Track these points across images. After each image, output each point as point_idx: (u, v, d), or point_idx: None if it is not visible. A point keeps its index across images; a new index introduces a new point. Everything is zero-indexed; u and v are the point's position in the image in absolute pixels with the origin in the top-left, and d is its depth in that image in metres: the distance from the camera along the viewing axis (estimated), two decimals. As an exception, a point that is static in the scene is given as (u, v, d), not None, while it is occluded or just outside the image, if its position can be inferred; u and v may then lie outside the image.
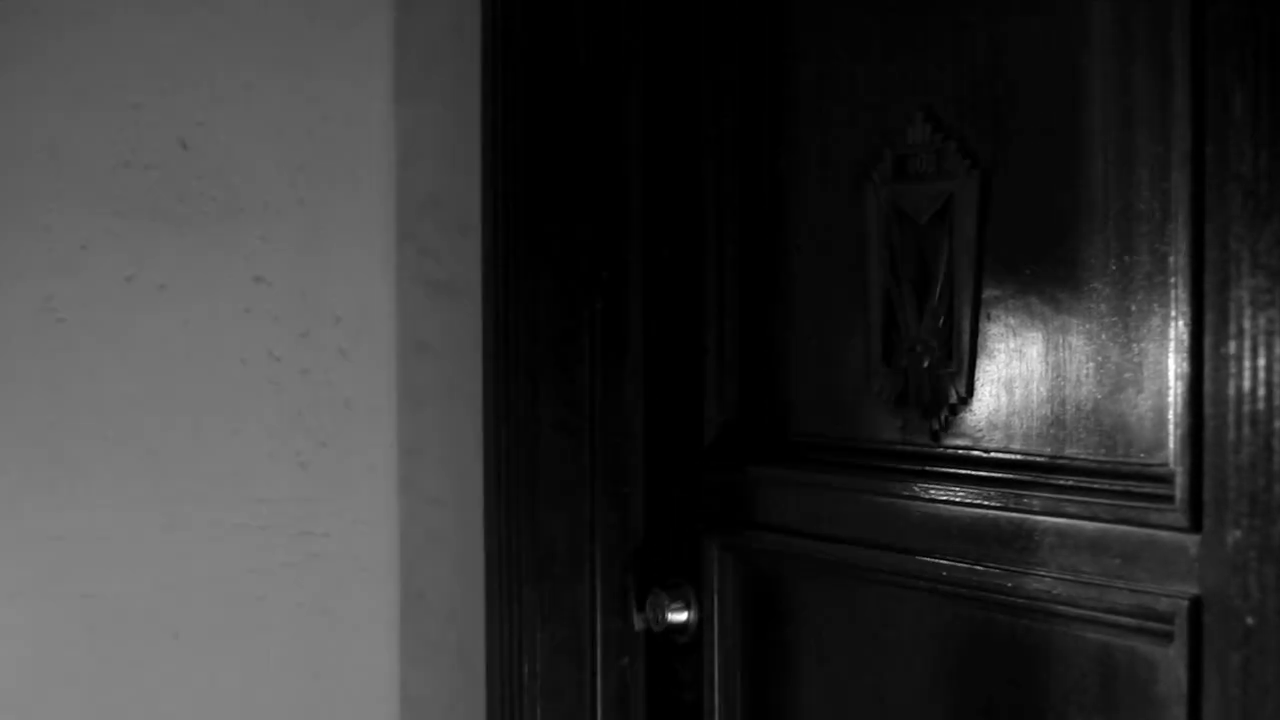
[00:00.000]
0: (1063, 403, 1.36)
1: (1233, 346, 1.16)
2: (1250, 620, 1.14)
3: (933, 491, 1.46)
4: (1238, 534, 1.15)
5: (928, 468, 1.48)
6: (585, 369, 1.85)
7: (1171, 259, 1.24)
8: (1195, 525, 1.21)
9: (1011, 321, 1.40)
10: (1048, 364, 1.37)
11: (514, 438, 1.89)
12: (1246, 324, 1.14)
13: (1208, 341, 1.19)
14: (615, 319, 1.84)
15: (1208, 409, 1.19)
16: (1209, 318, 1.19)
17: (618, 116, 1.85)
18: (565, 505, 1.89)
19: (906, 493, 1.49)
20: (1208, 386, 1.19)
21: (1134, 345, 1.29)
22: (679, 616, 1.79)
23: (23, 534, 1.83)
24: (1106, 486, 1.31)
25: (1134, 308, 1.29)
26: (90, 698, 1.88)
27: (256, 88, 1.94)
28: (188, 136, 1.90)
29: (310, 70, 1.97)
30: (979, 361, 1.43)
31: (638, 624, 1.89)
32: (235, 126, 1.93)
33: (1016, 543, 1.37)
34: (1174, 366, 1.24)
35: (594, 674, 1.90)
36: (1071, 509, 1.33)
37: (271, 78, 1.95)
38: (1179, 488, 1.23)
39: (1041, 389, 1.38)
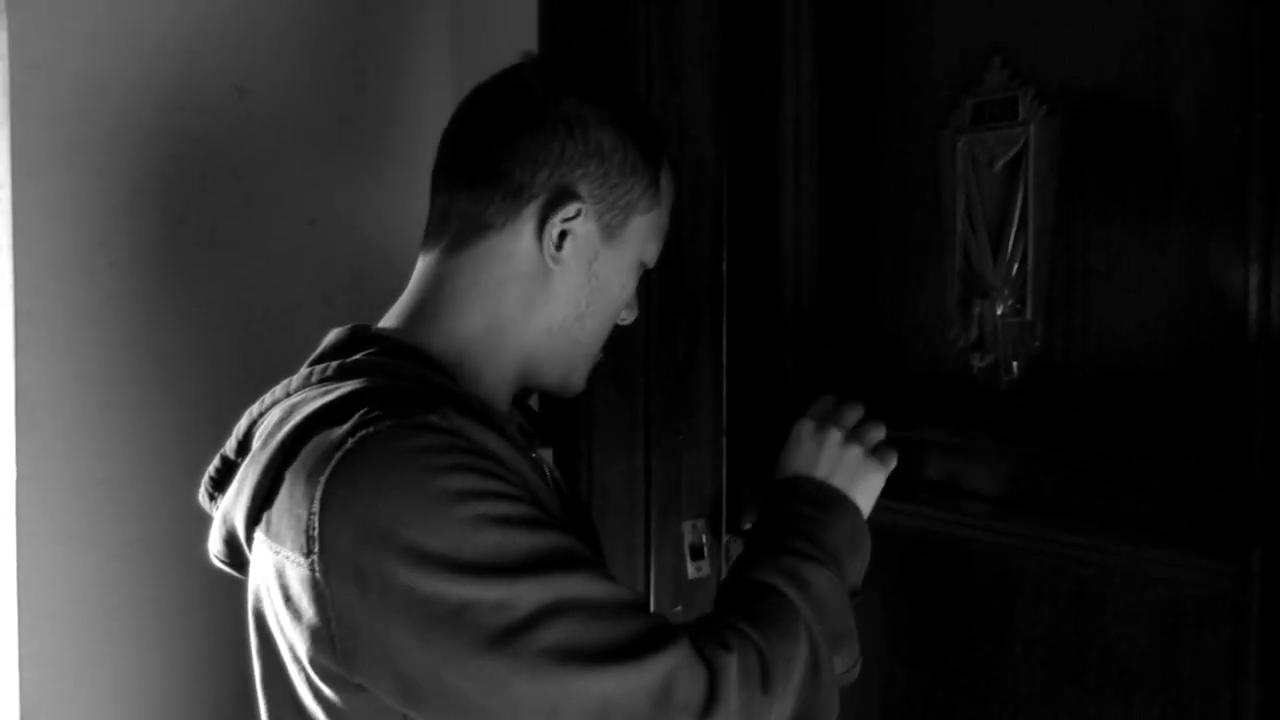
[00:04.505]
0: (1138, 352, 1.35)
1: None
2: None
3: (1003, 441, 1.46)
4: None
5: (999, 416, 1.48)
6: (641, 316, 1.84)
7: (1252, 203, 1.23)
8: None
9: (1085, 270, 1.39)
10: (1123, 314, 1.36)
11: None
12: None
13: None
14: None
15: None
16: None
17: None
18: (618, 453, 1.89)
19: (979, 442, 1.49)
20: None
21: (1212, 294, 1.28)
22: (752, 564, 1.79)
23: (76, 476, 1.85)
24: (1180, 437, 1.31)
25: (1213, 255, 1.28)
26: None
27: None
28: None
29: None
30: (1052, 309, 1.42)
31: (691, 572, 1.89)
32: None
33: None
34: (1253, 315, 1.22)
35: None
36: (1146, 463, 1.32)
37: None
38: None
39: (1116, 337, 1.37)
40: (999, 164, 1.44)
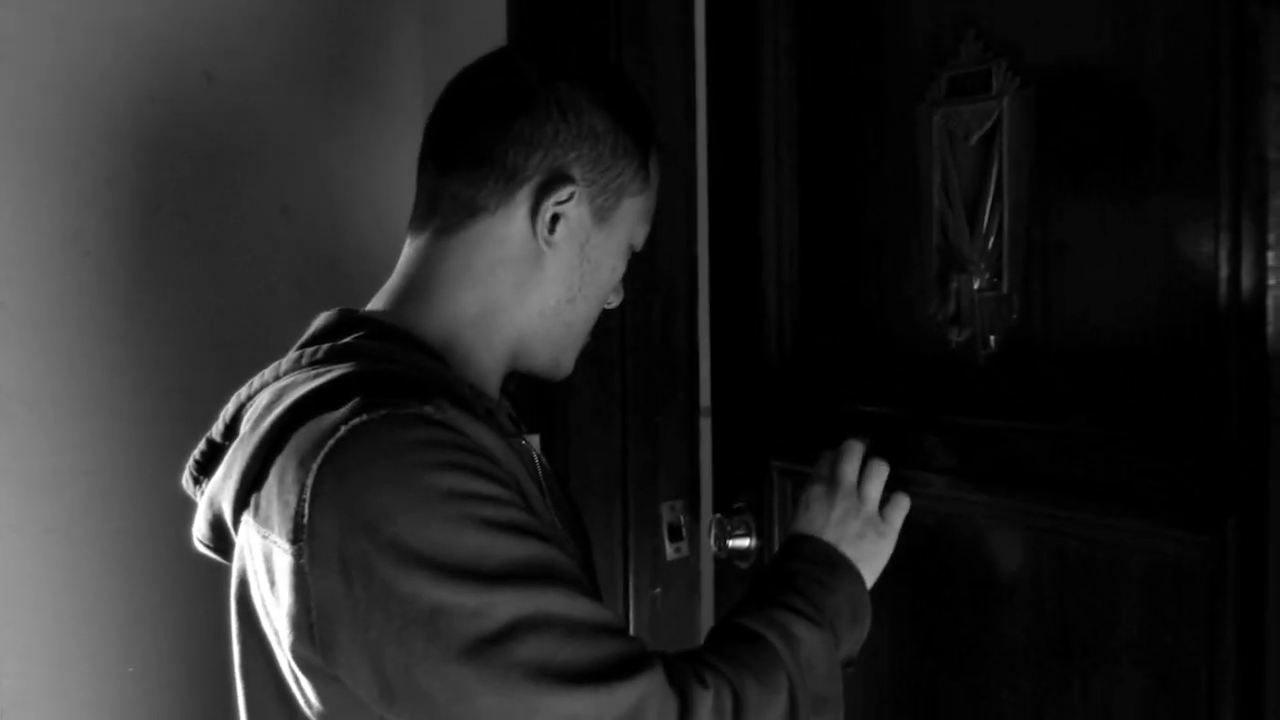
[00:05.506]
0: (1114, 325, 1.35)
1: (1271, 258, 1.17)
2: None
3: (982, 415, 1.46)
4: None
5: (978, 391, 1.48)
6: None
7: (1221, 171, 1.23)
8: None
9: (1061, 243, 1.39)
10: (1098, 285, 1.36)
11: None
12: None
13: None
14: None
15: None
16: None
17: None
18: (595, 435, 1.89)
19: (958, 418, 1.49)
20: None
21: (1185, 263, 1.28)
22: (741, 543, 1.80)
23: (56, 469, 1.84)
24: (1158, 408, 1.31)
25: (1185, 224, 1.28)
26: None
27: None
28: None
29: None
30: (1028, 283, 1.42)
31: (669, 553, 1.90)
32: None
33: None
34: (1225, 282, 1.23)
35: (625, 602, 1.92)
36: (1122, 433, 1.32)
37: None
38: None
39: (1092, 309, 1.37)
40: (974, 137, 1.45)
